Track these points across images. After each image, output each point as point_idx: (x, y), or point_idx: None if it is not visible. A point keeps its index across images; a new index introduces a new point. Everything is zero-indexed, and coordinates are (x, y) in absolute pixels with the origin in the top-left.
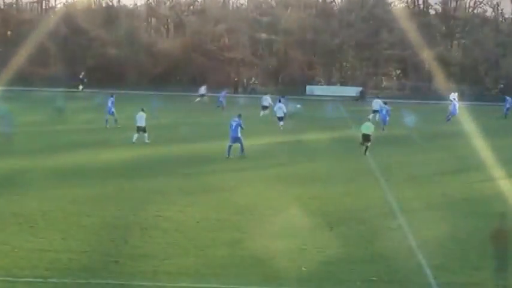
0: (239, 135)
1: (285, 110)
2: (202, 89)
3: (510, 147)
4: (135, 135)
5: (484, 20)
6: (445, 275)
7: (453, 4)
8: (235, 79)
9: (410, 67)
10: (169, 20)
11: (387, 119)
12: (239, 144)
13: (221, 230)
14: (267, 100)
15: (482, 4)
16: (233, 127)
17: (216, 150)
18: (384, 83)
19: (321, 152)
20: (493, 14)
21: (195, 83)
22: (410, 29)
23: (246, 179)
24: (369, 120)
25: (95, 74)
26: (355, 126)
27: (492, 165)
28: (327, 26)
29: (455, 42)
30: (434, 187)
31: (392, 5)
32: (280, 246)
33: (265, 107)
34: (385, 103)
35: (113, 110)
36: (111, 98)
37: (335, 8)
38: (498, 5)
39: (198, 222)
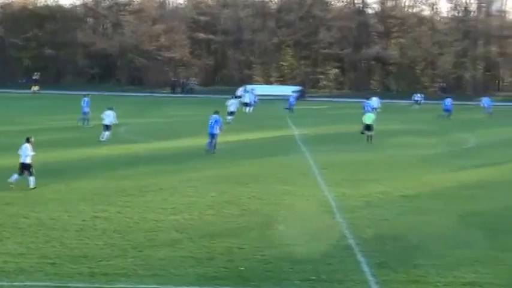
0: (216, 131)
1: (234, 108)
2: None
3: (449, 145)
4: (106, 133)
5: (421, 19)
6: (384, 273)
7: (390, 3)
8: (173, 79)
9: (348, 66)
10: (106, 20)
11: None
12: (213, 141)
13: (160, 231)
14: (248, 97)
15: (419, 3)
16: (211, 124)
17: (157, 150)
18: (323, 81)
19: (261, 151)
20: (430, 13)
21: (133, 83)
22: (348, 28)
23: (186, 179)
24: (369, 111)
25: (31, 75)
26: (295, 125)
27: (430, 162)
28: (264, 26)
29: (392, 41)
30: (374, 185)
31: (330, 4)
32: (219, 246)
33: (246, 104)
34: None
35: (86, 110)
36: (86, 98)
37: (273, 8)
38: (435, 4)
39: (136, 222)
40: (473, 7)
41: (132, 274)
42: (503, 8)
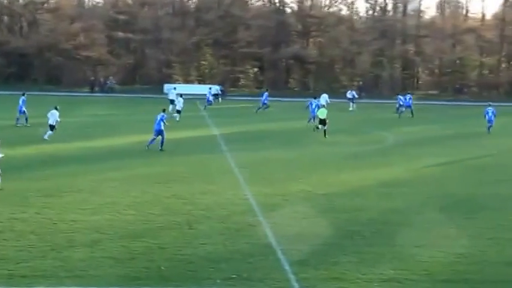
0: (162, 128)
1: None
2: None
3: (367, 144)
4: (49, 133)
5: (340, 19)
6: (305, 270)
7: (309, 3)
8: (92, 78)
9: (267, 65)
10: (23, 19)
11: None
12: (160, 137)
13: (79, 232)
14: (180, 102)
15: (337, 3)
16: (157, 120)
17: (77, 150)
18: (242, 80)
19: (181, 151)
20: (348, 12)
21: (51, 82)
22: (267, 27)
23: (106, 179)
24: (323, 106)
25: None
26: (215, 124)
27: (349, 160)
28: (184, 25)
29: (311, 40)
30: (294, 183)
31: (249, 3)
32: (139, 246)
33: (178, 111)
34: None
35: (24, 109)
36: (23, 97)
37: (192, 7)
38: (353, 4)
39: (55, 223)
40: (390, 7)
41: (51, 276)
42: (419, 7)
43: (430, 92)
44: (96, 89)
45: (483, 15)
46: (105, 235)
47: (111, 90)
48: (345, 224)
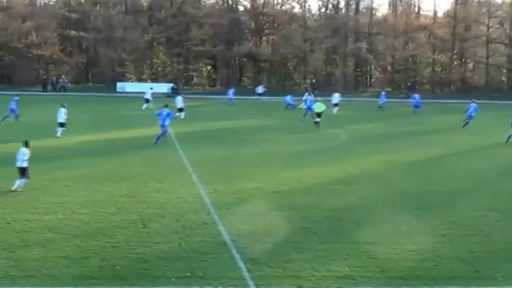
0: (166, 123)
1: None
2: None
3: (320, 141)
4: (61, 129)
5: (292, 17)
6: (259, 268)
7: (261, 1)
8: (44, 77)
9: (220, 63)
10: None
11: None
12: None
13: (32, 231)
14: (179, 101)
15: (290, 1)
16: (163, 116)
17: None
18: (195, 79)
19: (134, 149)
20: (301, 10)
21: (2, 81)
22: (219, 26)
23: (58, 178)
24: (320, 100)
25: None
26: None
27: (302, 158)
28: (136, 23)
29: (264, 38)
30: (247, 181)
31: (201, 1)
32: (93, 245)
33: (180, 109)
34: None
35: (14, 108)
36: (16, 98)
37: (144, 5)
38: (305, 2)
39: (8, 223)
40: (342, 4)
41: (4, 276)
42: (371, 5)
43: (383, 89)
44: (49, 87)
45: (435, 13)
46: (58, 234)
47: (64, 89)
48: (299, 222)
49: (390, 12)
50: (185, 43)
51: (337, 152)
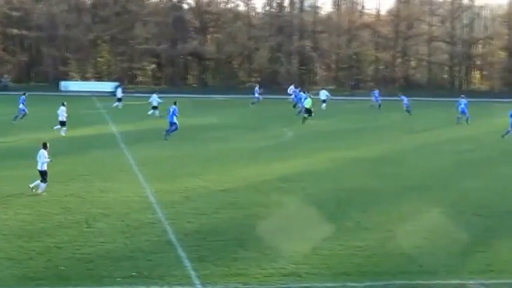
0: (174, 120)
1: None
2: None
3: (267, 139)
4: (63, 128)
5: (237, 15)
6: (205, 267)
7: None
8: None
9: (165, 61)
10: None
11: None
12: (173, 127)
13: None
14: (155, 99)
15: None
16: (170, 113)
17: None
18: (140, 77)
19: (79, 149)
20: (245, 8)
21: None
22: (164, 24)
23: (2, 177)
24: (309, 96)
25: None
26: (114, 121)
27: (249, 156)
28: (80, 21)
29: (209, 36)
30: (193, 179)
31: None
32: (37, 246)
33: (155, 107)
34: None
35: (21, 106)
36: (23, 96)
37: (88, 3)
38: (250, 0)
39: None
40: (286, 3)
41: None
42: (315, 3)
43: (327, 87)
44: None
45: (378, 11)
46: (0, 235)
47: (6, 88)
48: (245, 220)
49: (334, 10)
50: (129, 41)
51: (284, 149)
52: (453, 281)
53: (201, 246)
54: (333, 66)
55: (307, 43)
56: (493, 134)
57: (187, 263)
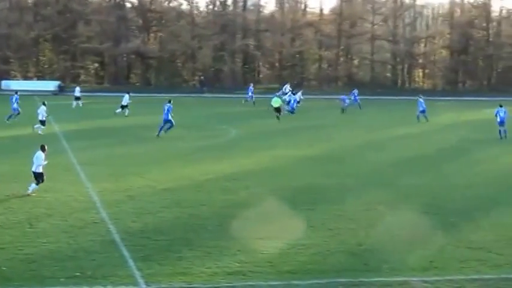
0: (169, 117)
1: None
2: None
3: (210, 138)
4: (41, 127)
5: (180, 13)
6: (150, 266)
7: None
8: None
9: (108, 60)
10: None
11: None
12: (168, 124)
13: None
14: (126, 100)
15: None
16: (165, 111)
17: None
18: (82, 76)
19: (21, 149)
20: (189, 7)
21: None
22: (107, 22)
23: None
24: (276, 96)
25: None
26: (56, 120)
27: (192, 155)
28: (21, 20)
29: (152, 35)
30: (136, 179)
31: None
32: None
33: (124, 106)
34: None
35: (15, 106)
36: (16, 95)
37: (30, 1)
38: None
39: None
40: (230, 1)
41: None
42: (258, 2)
43: (270, 85)
44: None
45: (321, 10)
46: None
47: None
48: (189, 219)
49: (277, 9)
50: (72, 40)
51: (228, 148)
52: (397, 278)
53: (145, 246)
54: (277, 64)
55: (251, 42)
56: (437, 131)
57: (131, 263)
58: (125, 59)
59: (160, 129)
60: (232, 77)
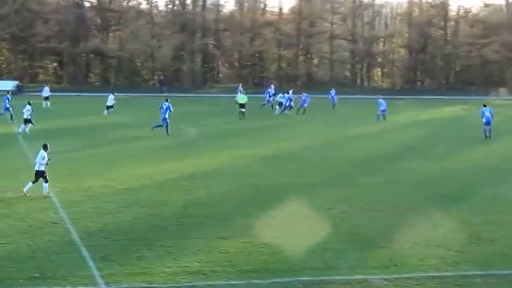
0: (166, 116)
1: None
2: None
3: (169, 138)
4: (22, 126)
5: (139, 13)
6: (109, 266)
7: None
8: None
9: (67, 59)
10: None
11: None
12: (163, 123)
13: None
14: (111, 100)
15: None
16: (163, 109)
17: None
18: (41, 76)
19: None
20: (148, 6)
21: None
22: (65, 22)
23: None
24: (241, 92)
25: None
26: (15, 122)
27: (152, 154)
28: None
29: (111, 34)
30: (96, 179)
31: None
32: None
33: (109, 107)
34: (287, 92)
35: (8, 106)
36: (8, 95)
37: None
38: None
39: None
40: (189, 1)
41: None
42: (218, 1)
43: (230, 85)
44: None
45: (281, 10)
46: None
47: None
48: (149, 218)
49: (237, 8)
50: (30, 39)
51: (189, 147)
52: (356, 277)
53: (105, 246)
54: (236, 64)
55: (210, 41)
56: (396, 130)
57: (90, 263)
58: (84, 58)
59: (167, 128)
60: (192, 76)
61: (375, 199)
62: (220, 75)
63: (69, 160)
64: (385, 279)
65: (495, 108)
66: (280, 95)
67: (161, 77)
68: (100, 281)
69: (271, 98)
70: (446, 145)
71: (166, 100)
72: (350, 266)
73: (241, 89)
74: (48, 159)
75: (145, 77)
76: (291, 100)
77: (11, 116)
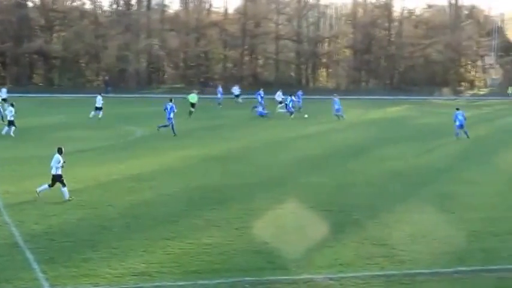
0: (171, 116)
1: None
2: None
3: (114, 138)
4: (6, 128)
5: (83, 13)
6: (54, 269)
7: None
8: None
9: (10, 60)
10: None
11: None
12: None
13: None
14: (99, 101)
15: None
16: (168, 110)
17: None
18: None
19: None
20: (92, 6)
21: None
22: (8, 22)
23: None
24: (193, 92)
25: None
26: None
27: (96, 155)
28: None
29: (55, 35)
30: (40, 181)
31: None
32: None
33: (98, 108)
34: (291, 95)
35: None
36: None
37: None
38: None
39: None
40: (134, 1)
41: None
42: (163, 2)
43: (175, 85)
44: None
45: (226, 10)
46: None
47: None
48: (94, 220)
49: (182, 9)
50: None
51: (134, 148)
52: (302, 276)
53: (50, 248)
54: (181, 64)
55: (155, 42)
56: (342, 130)
57: (35, 266)
58: (27, 59)
59: (173, 127)
60: (137, 77)
61: (321, 198)
62: (165, 76)
63: (12, 162)
64: (331, 279)
65: (439, 108)
66: (289, 97)
67: (106, 77)
68: (45, 283)
69: (262, 100)
70: (393, 145)
71: (171, 100)
72: (296, 266)
73: (221, 90)
74: (64, 162)
75: (89, 77)
76: (292, 101)
77: (2, 117)
